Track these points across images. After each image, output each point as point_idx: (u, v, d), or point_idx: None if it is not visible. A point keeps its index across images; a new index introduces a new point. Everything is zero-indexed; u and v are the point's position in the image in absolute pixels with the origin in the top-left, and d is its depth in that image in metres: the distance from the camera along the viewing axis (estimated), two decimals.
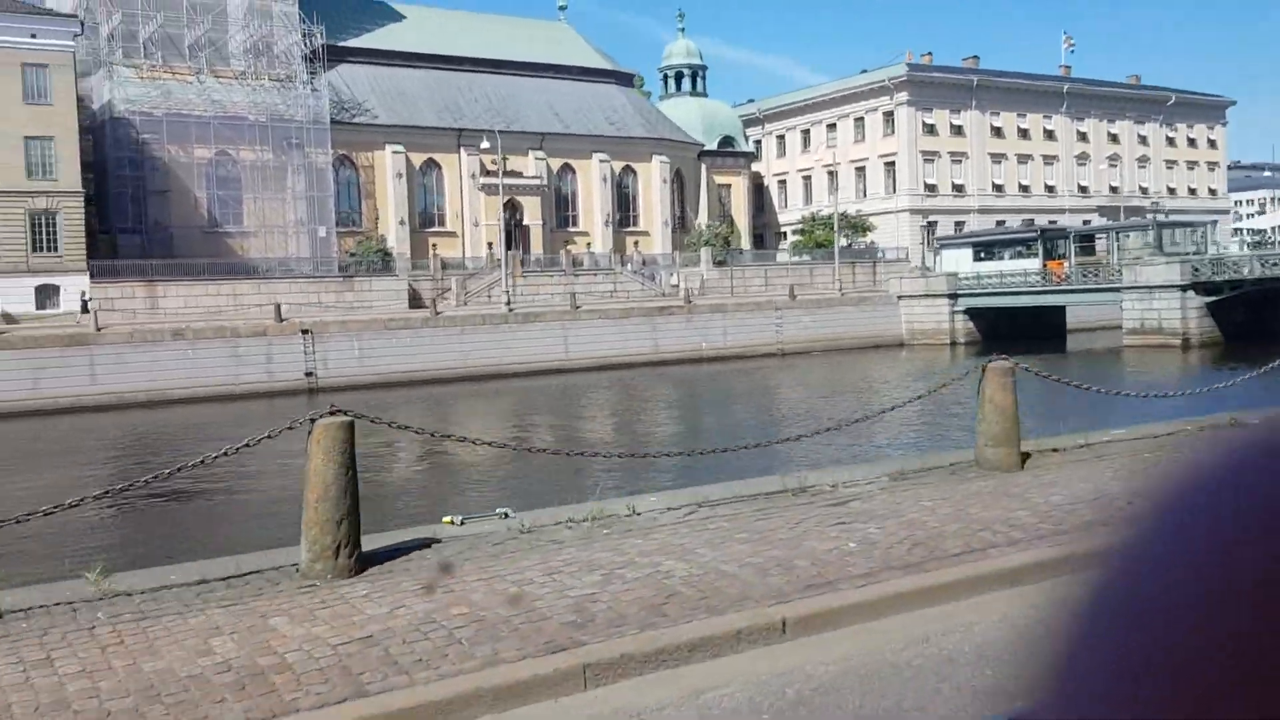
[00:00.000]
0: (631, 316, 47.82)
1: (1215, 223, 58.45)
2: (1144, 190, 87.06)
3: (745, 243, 77.68)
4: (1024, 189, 80.00)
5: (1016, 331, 51.07)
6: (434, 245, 60.44)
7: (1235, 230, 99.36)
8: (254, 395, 37.45)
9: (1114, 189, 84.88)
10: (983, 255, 54.74)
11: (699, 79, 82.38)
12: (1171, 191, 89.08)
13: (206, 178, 55.35)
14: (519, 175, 65.85)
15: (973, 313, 52.62)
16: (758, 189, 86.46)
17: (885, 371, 45.06)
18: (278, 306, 40.32)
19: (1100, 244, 52.13)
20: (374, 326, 40.71)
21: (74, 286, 45.89)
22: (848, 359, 50.32)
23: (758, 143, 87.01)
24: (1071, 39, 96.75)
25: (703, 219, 74.76)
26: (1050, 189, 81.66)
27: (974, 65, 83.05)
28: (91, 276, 46.39)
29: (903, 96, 74.63)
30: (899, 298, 54.62)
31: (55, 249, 46.29)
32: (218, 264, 49.60)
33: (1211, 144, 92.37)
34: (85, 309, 48.18)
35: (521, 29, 74.66)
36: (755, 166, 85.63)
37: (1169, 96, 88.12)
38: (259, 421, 34.44)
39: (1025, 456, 9.22)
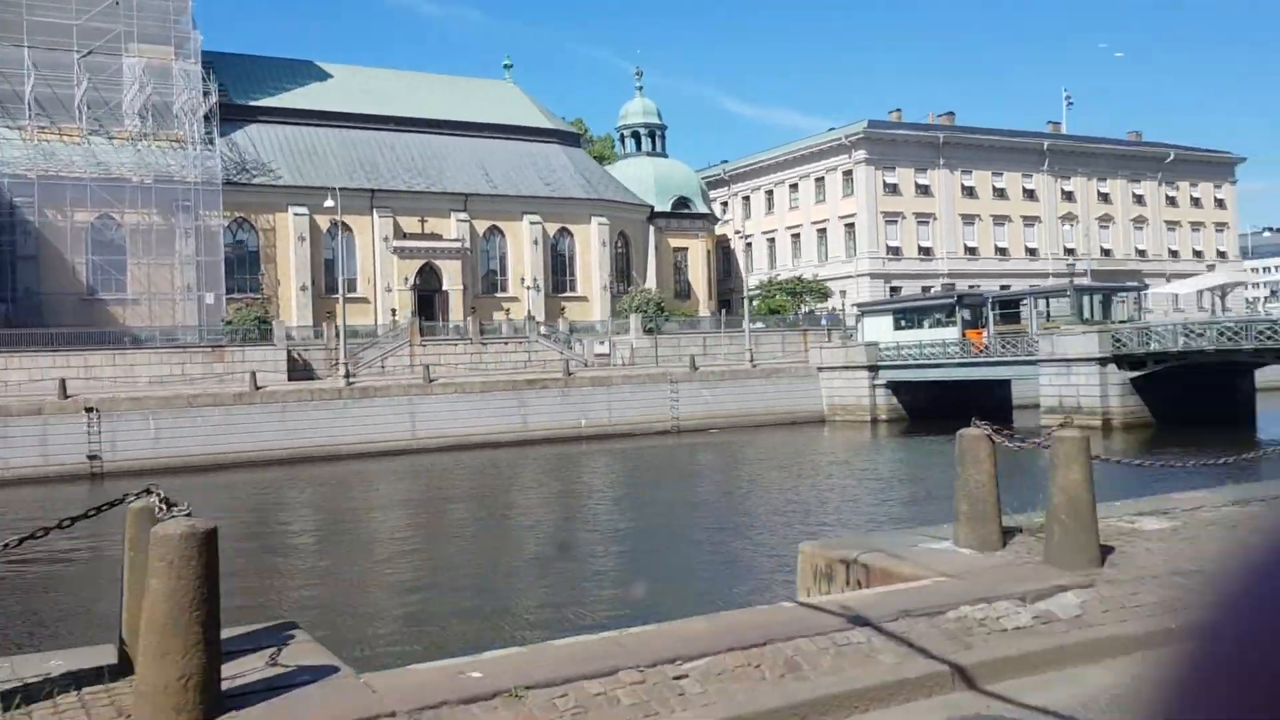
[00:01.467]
0: (495, 390, 43.36)
1: (1146, 287, 52.18)
2: (1141, 253, 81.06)
3: (704, 309, 73.26)
4: (1001, 252, 74.54)
5: (951, 408, 45.55)
6: (328, 313, 56.69)
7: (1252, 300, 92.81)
8: (25, 481, 33.59)
9: (1106, 251, 79.07)
10: (903, 323, 49.52)
11: (656, 138, 78.67)
12: (1174, 254, 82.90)
13: (86, 242, 52.48)
14: (437, 238, 62.31)
15: (897, 386, 47.30)
16: (726, 253, 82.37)
17: (767, 453, 39.84)
18: (62, 382, 36.55)
19: (1028, 310, 46.49)
20: (175, 404, 36.70)
21: None
22: (754, 437, 45.17)
23: (725, 204, 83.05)
24: (1070, 96, 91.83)
25: (651, 284, 70.57)
26: (1032, 252, 76.09)
27: (948, 121, 78.32)
28: None
29: (860, 155, 70.03)
30: (819, 369, 49.53)
31: None
32: (68, 334, 46.19)
33: (1219, 204, 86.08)
34: None
35: (459, 87, 71.81)
36: (724, 229, 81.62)
37: (1167, 153, 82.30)
38: None
39: None
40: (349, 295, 60.07)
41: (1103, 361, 37.29)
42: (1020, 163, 75.97)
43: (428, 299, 61.37)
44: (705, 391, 46.59)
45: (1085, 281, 51.01)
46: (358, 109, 64.19)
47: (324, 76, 67.00)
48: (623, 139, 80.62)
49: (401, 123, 65.17)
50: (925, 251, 72.19)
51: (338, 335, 53.30)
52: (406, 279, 60.88)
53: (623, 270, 70.22)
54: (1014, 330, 44.40)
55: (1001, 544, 8.11)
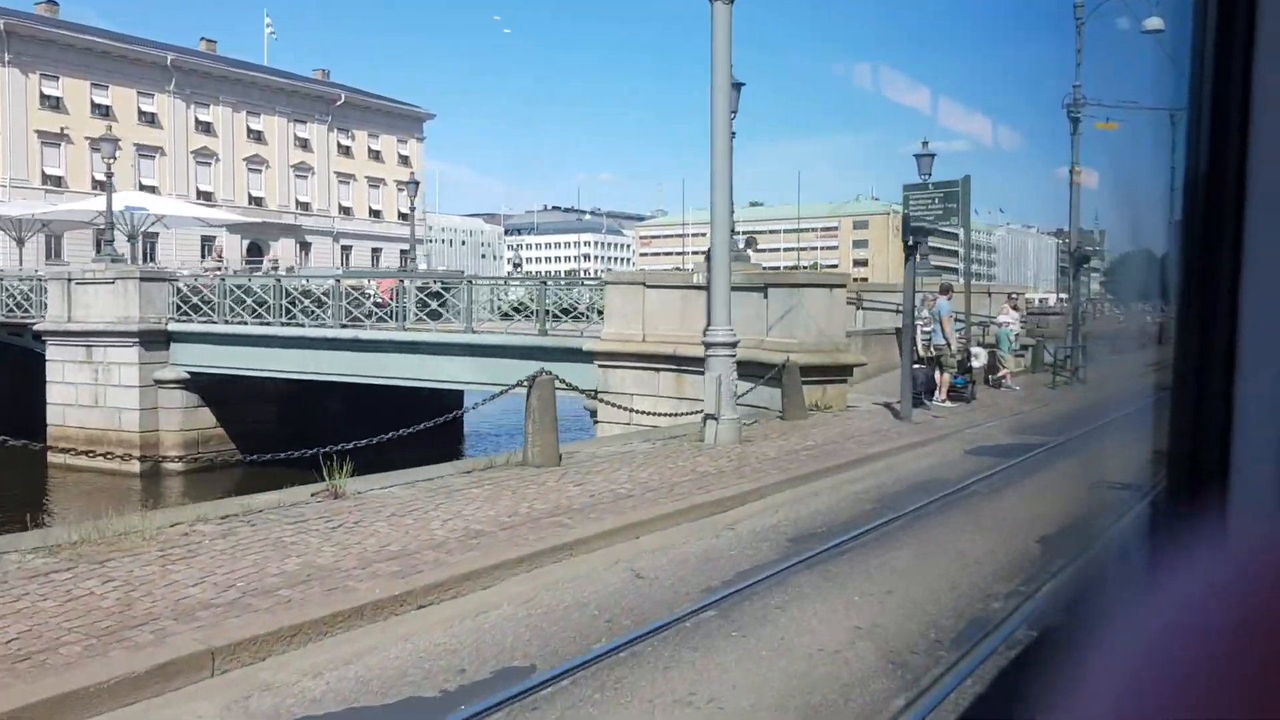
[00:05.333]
0: None
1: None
2: (305, 205, 71.53)
3: None
4: (99, 185, 59.18)
5: None
6: None
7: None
8: None
9: (257, 200, 68.03)
10: None
11: None
12: (345, 211, 75.02)
13: None
14: None
15: None
16: None
17: None
18: None
19: None
20: None
21: None
22: None
23: None
24: (273, 27, 79.41)
25: None
26: (152, 189, 61.95)
27: (48, 13, 60.85)
28: None
29: None
30: None
31: None
32: None
33: (404, 160, 79.92)
34: None
35: None
36: None
37: (337, 95, 73.64)
38: None
39: None
40: None
41: None
42: (140, 79, 61.28)
43: None
44: None
45: None
46: None
47: None
48: None
49: None
50: None
51: None
52: None
53: None
54: None
55: None
